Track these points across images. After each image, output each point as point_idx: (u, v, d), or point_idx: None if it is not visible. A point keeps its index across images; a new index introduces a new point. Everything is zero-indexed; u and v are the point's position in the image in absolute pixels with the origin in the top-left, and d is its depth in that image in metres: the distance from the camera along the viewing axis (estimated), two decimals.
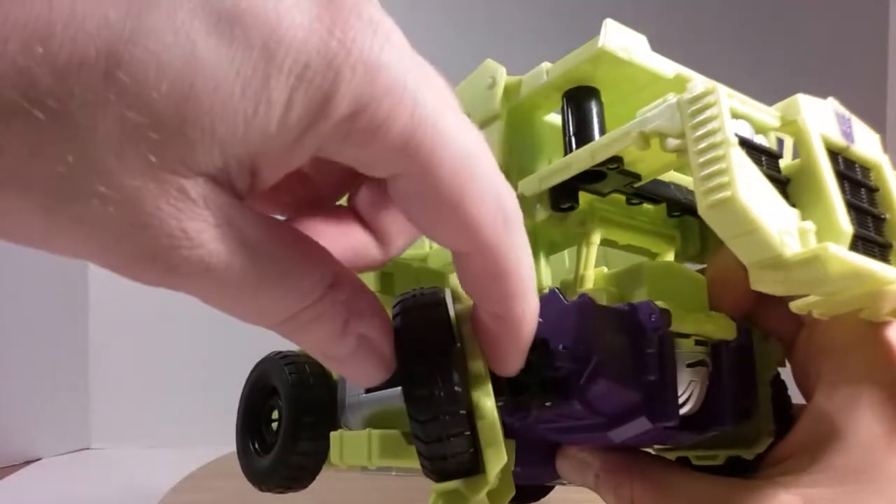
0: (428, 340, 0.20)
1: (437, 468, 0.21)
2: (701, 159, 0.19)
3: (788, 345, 0.27)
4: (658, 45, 0.25)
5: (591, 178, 0.24)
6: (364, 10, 0.16)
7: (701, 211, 0.19)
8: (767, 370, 0.27)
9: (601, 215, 0.26)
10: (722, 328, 0.24)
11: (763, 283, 0.20)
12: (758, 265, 0.19)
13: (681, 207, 0.27)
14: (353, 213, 0.22)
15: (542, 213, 0.25)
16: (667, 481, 0.25)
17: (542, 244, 0.29)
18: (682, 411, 0.23)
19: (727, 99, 0.20)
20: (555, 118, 0.28)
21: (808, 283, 0.19)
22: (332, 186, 0.23)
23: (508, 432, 0.24)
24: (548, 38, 0.24)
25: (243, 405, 0.34)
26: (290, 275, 0.18)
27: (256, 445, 0.33)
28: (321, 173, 0.22)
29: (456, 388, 0.20)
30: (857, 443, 0.23)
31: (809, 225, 0.19)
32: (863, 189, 0.22)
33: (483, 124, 0.27)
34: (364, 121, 0.16)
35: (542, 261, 0.29)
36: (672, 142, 0.20)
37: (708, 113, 0.19)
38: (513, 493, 0.23)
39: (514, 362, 0.21)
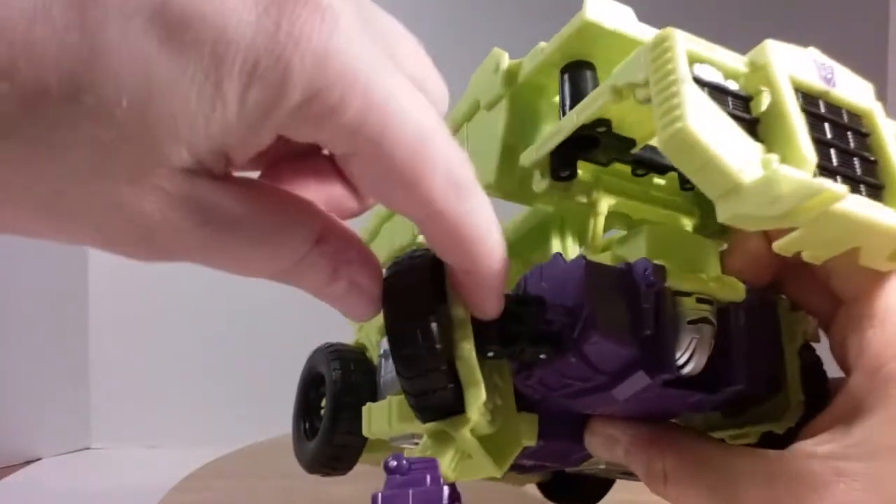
0: (408, 302, 0.22)
1: (425, 415, 0.22)
2: (657, 99, 0.19)
3: (827, 322, 0.27)
4: None
5: (586, 145, 0.24)
6: None
7: (661, 148, 0.19)
8: (794, 340, 0.27)
9: (607, 186, 0.27)
10: (728, 289, 0.25)
11: (728, 217, 0.20)
12: (721, 198, 0.19)
13: (689, 179, 0.28)
14: (331, 164, 0.23)
15: (542, 184, 0.25)
16: (698, 453, 0.24)
17: (570, 229, 0.29)
18: (686, 369, 0.23)
19: (685, 43, 0.20)
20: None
21: (766, 206, 0.19)
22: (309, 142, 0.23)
23: (530, 406, 0.25)
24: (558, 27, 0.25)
25: (298, 394, 0.36)
26: (276, 237, 0.19)
27: (307, 430, 0.35)
28: None
29: (436, 346, 0.21)
30: (894, 418, 0.23)
31: (773, 156, 0.19)
32: (849, 132, 0.22)
33: (490, 106, 0.28)
34: (316, 107, 0.16)
35: (571, 243, 0.29)
36: (640, 92, 0.21)
37: (665, 56, 0.20)
38: (519, 449, 0.24)
39: (488, 308, 0.22)
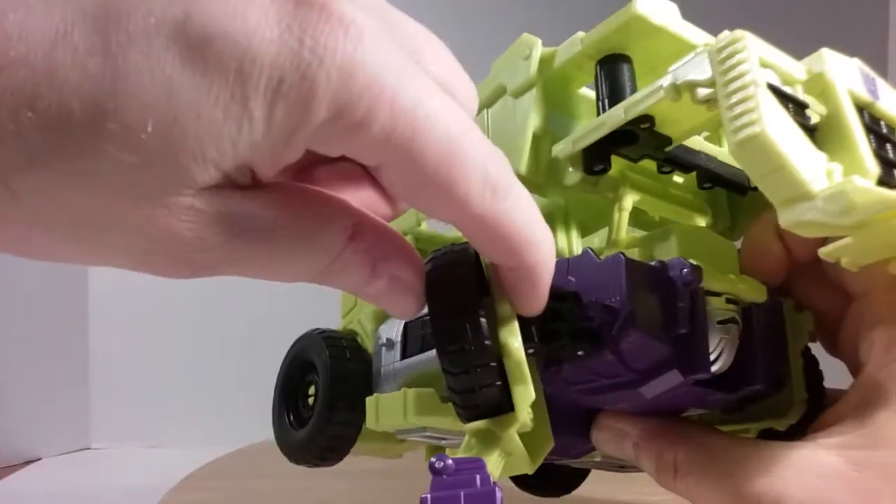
0: (455, 296, 0.21)
1: (470, 413, 0.22)
2: (730, 101, 0.19)
3: (835, 320, 0.27)
4: None
5: (623, 140, 0.24)
6: (333, 12, 0.16)
7: (731, 151, 0.19)
8: (799, 340, 0.27)
9: (633, 182, 0.27)
10: (753, 290, 0.25)
11: (792, 223, 0.20)
12: (786, 204, 0.19)
13: (711, 178, 0.28)
14: (361, 168, 0.23)
15: (574, 177, 0.26)
16: (709, 444, 0.25)
17: (574, 221, 0.29)
18: (714, 368, 0.23)
19: (756, 46, 0.20)
20: (590, 92, 0.28)
21: (836, 216, 0.19)
22: None
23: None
24: (590, 20, 0.25)
25: (281, 380, 0.35)
26: (309, 239, 0.19)
27: (292, 419, 0.34)
28: None
29: (486, 342, 0.21)
30: None
31: (836, 166, 0.19)
32: (888, 144, 0.22)
33: (518, 93, 0.27)
34: (345, 121, 0.16)
35: (575, 235, 0.29)
36: (702, 91, 0.21)
37: (737, 58, 0.20)
38: (552, 445, 0.23)
39: (534, 304, 0.22)
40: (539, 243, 0.20)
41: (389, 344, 0.30)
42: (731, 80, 0.20)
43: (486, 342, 0.21)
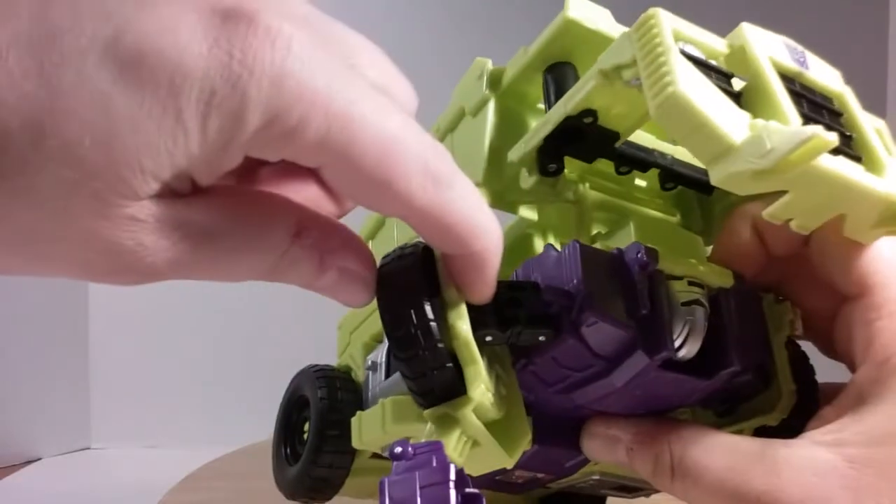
0: (399, 286, 0.22)
1: (427, 399, 0.22)
2: (646, 71, 0.20)
3: (828, 319, 0.27)
4: None
5: (572, 138, 0.25)
6: (260, 24, 0.16)
7: (653, 117, 0.20)
8: (781, 331, 0.27)
9: (593, 184, 0.27)
10: (717, 274, 0.25)
11: (721, 180, 0.20)
12: (714, 161, 0.20)
13: (672, 177, 0.28)
14: (306, 168, 0.23)
15: (529, 180, 0.26)
16: (704, 444, 0.24)
17: (551, 234, 0.29)
18: (682, 352, 0.23)
19: (670, 21, 0.21)
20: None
21: (757, 161, 0.19)
22: None
23: (525, 408, 0.24)
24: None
25: (280, 415, 0.35)
26: (254, 239, 0.19)
27: (288, 454, 0.34)
28: None
29: (431, 324, 0.21)
30: None
31: (760, 121, 0.20)
32: (824, 110, 0.23)
33: (475, 112, 0.28)
34: (278, 128, 0.17)
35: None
36: (628, 72, 0.21)
37: (651, 33, 0.20)
38: (528, 437, 0.23)
39: (483, 291, 0.22)
40: (484, 230, 0.21)
41: (374, 367, 0.30)
42: (646, 52, 0.20)
43: (431, 324, 0.21)
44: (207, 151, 0.17)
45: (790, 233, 0.24)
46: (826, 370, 0.28)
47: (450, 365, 0.22)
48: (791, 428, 0.26)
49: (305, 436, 0.32)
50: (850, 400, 0.24)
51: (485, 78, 0.27)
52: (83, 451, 1.39)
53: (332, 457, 0.30)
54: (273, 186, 0.22)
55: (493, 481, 0.29)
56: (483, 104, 0.27)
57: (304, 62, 0.17)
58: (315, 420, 0.31)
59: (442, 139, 0.29)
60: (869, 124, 0.23)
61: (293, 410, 0.34)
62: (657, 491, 0.31)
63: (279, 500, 0.35)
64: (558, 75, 0.26)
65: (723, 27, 0.24)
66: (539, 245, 0.29)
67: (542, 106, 0.27)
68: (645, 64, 0.20)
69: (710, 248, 0.28)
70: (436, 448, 0.20)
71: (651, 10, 0.20)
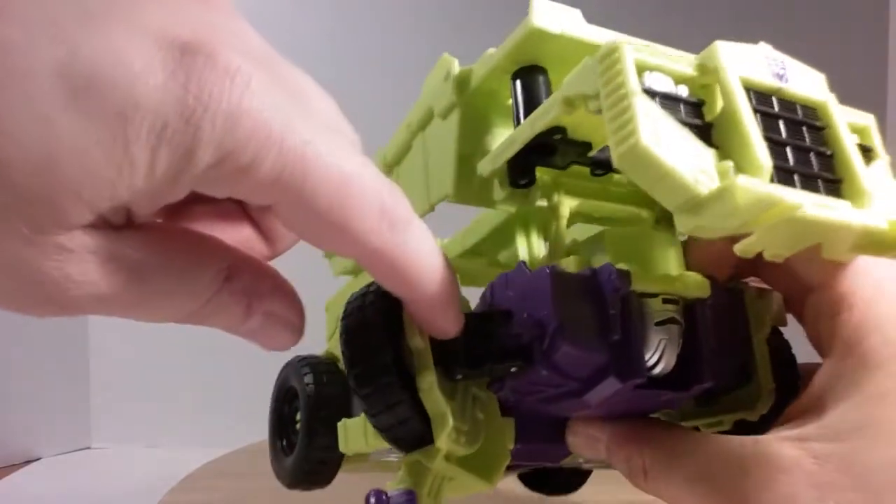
0: (364, 340, 0.22)
1: (400, 446, 0.23)
2: (609, 114, 0.19)
3: (799, 307, 0.27)
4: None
5: (544, 152, 0.24)
6: (219, 60, 0.16)
7: (616, 166, 0.19)
8: (762, 329, 0.27)
9: (567, 188, 0.27)
10: (693, 286, 0.25)
11: (690, 229, 0.20)
12: (681, 210, 0.19)
13: None
14: (238, 207, 0.23)
15: (501, 193, 0.26)
16: (674, 445, 0.25)
17: (534, 225, 0.29)
18: (656, 370, 0.23)
19: (633, 53, 0.20)
20: None
21: (724, 218, 0.19)
22: None
23: (507, 411, 0.25)
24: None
25: (272, 410, 0.35)
26: (183, 280, 0.18)
27: (284, 445, 0.34)
28: None
29: (394, 380, 0.22)
30: (869, 398, 0.23)
31: (728, 164, 0.20)
32: (804, 128, 0.22)
33: (443, 115, 0.27)
34: (230, 166, 0.16)
35: (536, 239, 0.29)
36: (592, 104, 0.21)
37: (613, 70, 0.20)
38: (506, 461, 0.24)
39: (446, 328, 0.22)
40: (436, 274, 0.21)
41: None
42: (609, 92, 0.20)
43: (394, 380, 0.22)
44: (153, 185, 0.16)
45: None
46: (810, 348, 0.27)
47: (416, 419, 0.22)
48: (770, 420, 0.26)
49: (298, 426, 0.33)
50: (814, 394, 0.24)
51: (450, 81, 0.27)
52: (83, 451, 1.39)
53: (326, 438, 0.30)
54: (205, 225, 0.22)
55: None
56: (451, 108, 0.27)
57: (261, 100, 0.16)
58: (304, 405, 0.31)
59: (413, 137, 0.29)
60: (850, 140, 0.23)
61: (283, 404, 0.34)
62: None
63: (279, 500, 0.35)
64: (527, 82, 0.25)
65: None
66: (519, 239, 0.29)
67: (510, 104, 0.27)
68: (607, 106, 0.20)
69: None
70: (409, 499, 0.22)
71: (612, 44, 0.20)
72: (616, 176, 0.28)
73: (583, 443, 0.27)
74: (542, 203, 0.26)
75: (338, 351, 0.35)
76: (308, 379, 0.32)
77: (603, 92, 0.20)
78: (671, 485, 0.24)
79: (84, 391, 1.43)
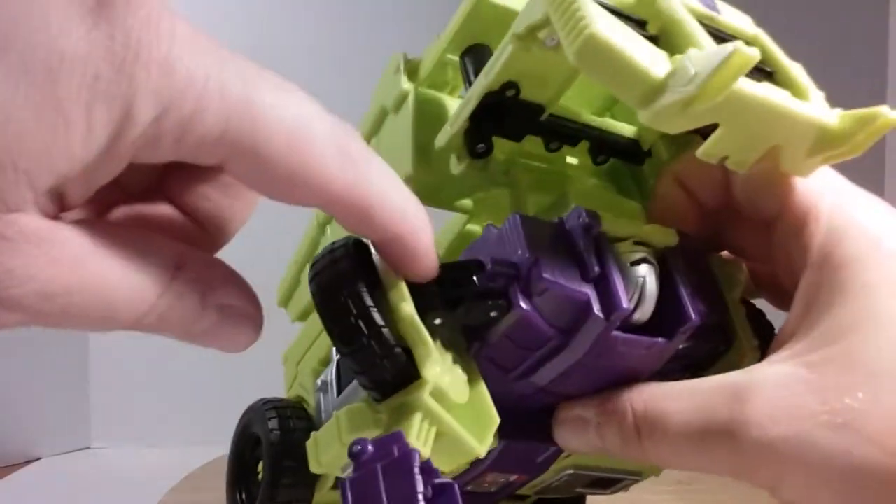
0: (335, 281, 0.21)
1: (380, 390, 0.21)
2: (561, 21, 0.20)
3: (769, 261, 0.27)
4: None
5: (496, 115, 0.24)
6: (140, 9, 0.15)
7: (574, 62, 0.20)
8: (734, 288, 0.27)
9: (524, 165, 0.27)
10: (660, 233, 0.25)
11: (651, 119, 0.20)
12: (642, 102, 0.20)
13: (602, 148, 0.28)
14: (171, 206, 0.21)
15: (459, 165, 0.26)
16: (664, 391, 0.24)
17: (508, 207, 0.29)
18: (637, 315, 0.24)
19: None
20: None
21: (683, 90, 0.19)
22: (143, 185, 0.22)
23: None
24: None
25: (231, 456, 0.32)
26: (133, 270, 0.17)
27: (244, 498, 0.31)
28: (130, 174, 0.20)
29: (369, 309, 0.20)
30: (857, 295, 0.22)
31: (679, 56, 0.20)
32: None
33: (397, 108, 0.27)
34: (173, 118, 0.15)
35: None
36: (543, 33, 0.21)
37: None
38: (496, 421, 0.23)
39: (423, 268, 0.21)
40: (410, 208, 0.20)
41: (325, 387, 0.28)
42: (558, 4, 0.20)
43: (372, 310, 0.20)
44: (94, 148, 0.15)
45: (713, 179, 0.25)
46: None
47: (399, 350, 0.20)
48: None
49: (260, 476, 0.30)
50: (797, 314, 0.24)
51: (401, 71, 0.27)
52: (83, 451, 1.39)
53: (290, 491, 0.28)
54: (142, 227, 0.20)
55: (464, 493, 0.29)
56: (403, 98, 0.27)
57: (191, 46, 0.15)
58: (268, 454, 0.29)
59: (367, 142, 0.29)
60: (790, 63, 0.24)
61: (245, 450, 0.32)
62: (636, 481, 0.31)
63: None
64: (475, 57, 0.25)
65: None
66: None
67: (464, 94, 0.27)
68: (558, 15, 0.20)
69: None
70: (396, 438, 0.19)
71: None
72: (570, 158, 0.29)
73: (572, 429, 0.26)
74: (502, 178, 0.26)
75: (304, 394, 0.33)
76: (273, 424, 0.29)
77: (552, 8, 0.20)
78: (668, 435, 0.23)
79: (84, 391, 1.43)
